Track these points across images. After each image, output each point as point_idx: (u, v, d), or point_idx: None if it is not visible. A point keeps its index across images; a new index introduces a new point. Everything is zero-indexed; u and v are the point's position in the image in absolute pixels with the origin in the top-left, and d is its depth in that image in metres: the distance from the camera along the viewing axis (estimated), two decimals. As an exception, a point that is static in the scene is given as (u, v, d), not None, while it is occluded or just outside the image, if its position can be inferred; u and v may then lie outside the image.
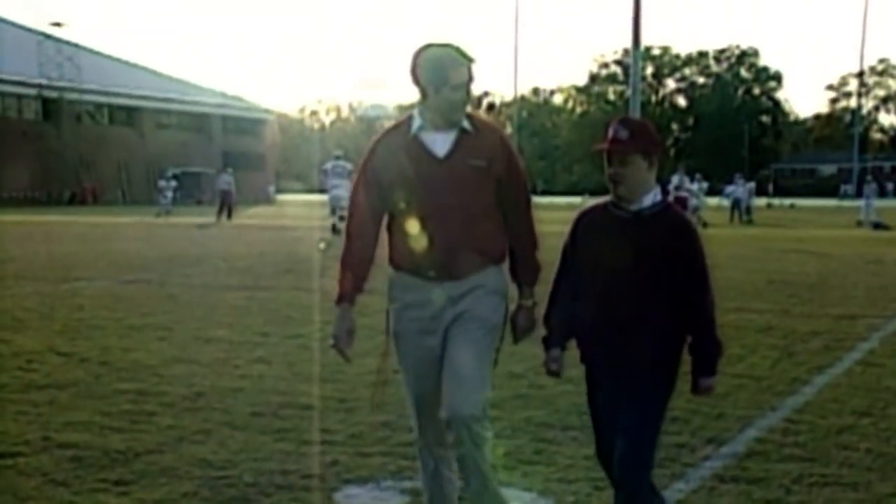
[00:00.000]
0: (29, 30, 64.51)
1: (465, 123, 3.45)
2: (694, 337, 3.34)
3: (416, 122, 3.46)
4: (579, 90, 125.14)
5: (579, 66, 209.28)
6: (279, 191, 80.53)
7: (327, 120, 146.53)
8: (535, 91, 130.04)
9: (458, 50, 3.40)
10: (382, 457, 4.86)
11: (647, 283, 3.28)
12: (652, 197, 3.36)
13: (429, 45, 3.43)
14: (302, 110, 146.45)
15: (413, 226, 3.44)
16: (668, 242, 3.30)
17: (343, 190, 22.02)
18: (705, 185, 36.03)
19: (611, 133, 3.35)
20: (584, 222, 3.50)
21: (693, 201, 30.50)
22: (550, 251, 3.64)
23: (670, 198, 26.48)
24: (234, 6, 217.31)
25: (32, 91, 61.24)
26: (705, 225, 29.50)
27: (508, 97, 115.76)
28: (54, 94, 61.91)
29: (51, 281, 13.36)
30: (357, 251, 3.55)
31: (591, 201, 3.74)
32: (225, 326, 9.09)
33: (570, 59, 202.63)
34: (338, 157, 25.04)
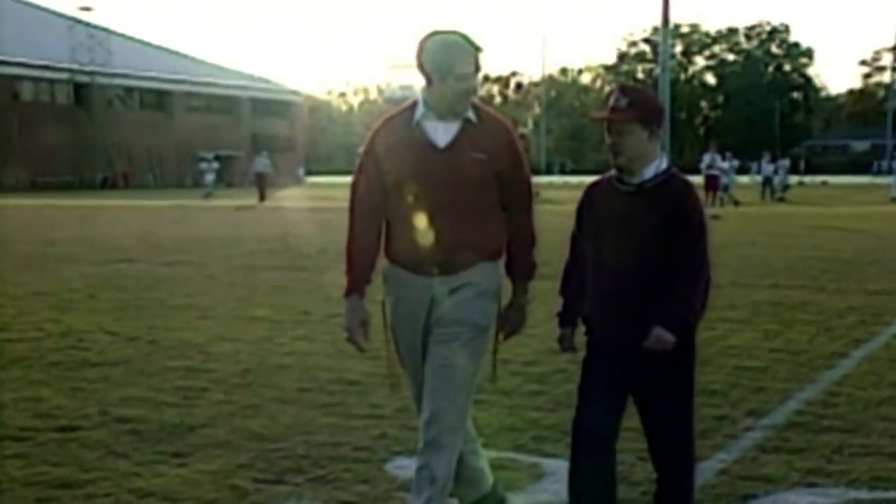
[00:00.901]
0: (59, 15, 65.14)
1: (470, 114, 3.35)
2: (669, 290, 3.16)
3: (420, 110, 3.36)
4: (608, 69, 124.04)
5: (608, 44, 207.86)
6: (308, 172, 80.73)
7: (355, 101, 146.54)
8: (563, 70, 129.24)
9: (464, 38, 3.29)
10: (429, 429, 4.97)
11: (648, 257, 3.19)
12: (654, 168, 3.26)
13: (435, 33, 3.32)
14: (330, 92, 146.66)
15: (411, 218, 3.34)
16: (666, 217, 3.19)
17: None
18: (736, 163, 35.80)
19: (611, 101, 3.27)
20: (590, 195, 3.44)
21: (724, 180, 30.36)
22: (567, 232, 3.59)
23: (701, 177, 26.51)
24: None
25: (64, 76, 61.78)
26: (737, 203, 29.36)
27: (536, 77, 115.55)
28: (85, 79, 62.42)
29: (93, 263, 13.62)
30: (361, 242, 3.46)
31: None
32: (266, 306, 9.27)
33: (599, 37, 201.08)
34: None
